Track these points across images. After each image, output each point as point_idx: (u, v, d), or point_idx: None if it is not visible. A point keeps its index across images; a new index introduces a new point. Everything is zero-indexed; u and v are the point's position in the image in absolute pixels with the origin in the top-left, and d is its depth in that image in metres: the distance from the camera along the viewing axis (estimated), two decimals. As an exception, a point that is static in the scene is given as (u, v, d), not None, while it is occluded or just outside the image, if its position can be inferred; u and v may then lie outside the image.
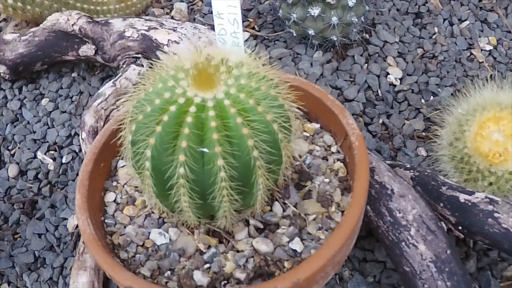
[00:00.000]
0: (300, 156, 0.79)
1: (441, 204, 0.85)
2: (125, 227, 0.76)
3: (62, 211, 1.18)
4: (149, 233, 0.75)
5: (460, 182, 1.02)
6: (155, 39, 1.14)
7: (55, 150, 1.31)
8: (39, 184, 1.25)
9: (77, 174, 1.24)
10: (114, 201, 0.80)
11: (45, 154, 1.30)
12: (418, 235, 0.79)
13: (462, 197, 0.84)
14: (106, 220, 0.77)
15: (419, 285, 0.78)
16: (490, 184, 0.99)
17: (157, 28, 1.15)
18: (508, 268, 0.94)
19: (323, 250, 0.63)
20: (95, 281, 0.93)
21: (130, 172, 0.68)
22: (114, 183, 0.82)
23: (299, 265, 0.62)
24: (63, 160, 1.28)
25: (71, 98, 1.39)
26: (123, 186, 0.81)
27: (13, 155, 1.32)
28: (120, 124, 0.68)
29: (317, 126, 0.85)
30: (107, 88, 1.08)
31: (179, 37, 1.13)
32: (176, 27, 1.16)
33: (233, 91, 0.61)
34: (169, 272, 0.71)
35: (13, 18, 1.46)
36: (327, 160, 0.80)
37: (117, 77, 1.11)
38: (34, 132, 1.35)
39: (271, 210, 0.75)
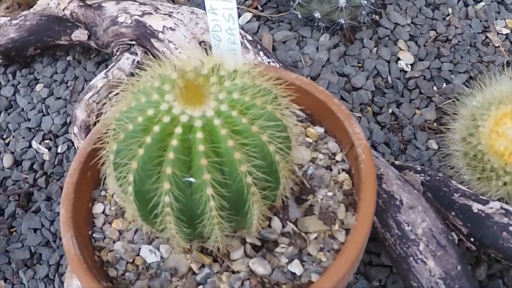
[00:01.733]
0: (302, 166, 0.73)
1: (453, 213, 0.80)
2: (114, 242, 0.72)
3: (58, 205, 1.14)
4: (140, 249, 0.71)
5: (472, 181, 0.96)
6: (149, 25, 1.07)
7: (50, 139, 1.27)
8: (34, 175, 1.21)
9: (73, 165, 1.20)
10: (103, 212, 0.75)
11: (40, 143, 1.26)
12: (427, 250, 0.73)
13: (476, 207, 0.78)
14: (94, 235, 0.73)
15: (427, 302, 0.73)
16: (505, 184, 0.93)
17: (151, 13, 1.08)
18: (522, 275, 0.89)
19: (323, 281, 0.58)
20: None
21: (116, 192, 0.63)
22: (103, 193, 0.77)
23: (297, 298, 0.57)
24: (59, 150, 1.24)
25: (66, 83, 1.34)
26: (112, 196, 0.76)
27: (7, 144, 1.28)
28: (106, 131, 0.63)
29: (321, 130, 0.79)
30: (98, 80, 1.02)
31: (175, 23, 1.06)
32: (172, 12, 1.09)
33: (225, 108, 0.55)
34: (160, 294, 0.67)
35: (4, 0, 1.39)
36: (331, 170, 0.74)
37: (109, 67, 1.05)
38: (29, 120, 1.30)
39: (269, 226, 0.69)
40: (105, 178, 0.78)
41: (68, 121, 1.27)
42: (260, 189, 0.56)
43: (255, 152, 0.54)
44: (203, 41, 1.06)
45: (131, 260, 0.70)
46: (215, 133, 0.53)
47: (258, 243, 0.69)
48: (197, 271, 0.67)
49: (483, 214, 0.77)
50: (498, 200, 0.92)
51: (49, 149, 1.25)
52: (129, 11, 1.10)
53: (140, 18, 1.08)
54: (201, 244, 0.67)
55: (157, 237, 0.71)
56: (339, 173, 0.74)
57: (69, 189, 0.71)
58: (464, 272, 0.73)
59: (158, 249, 0.70)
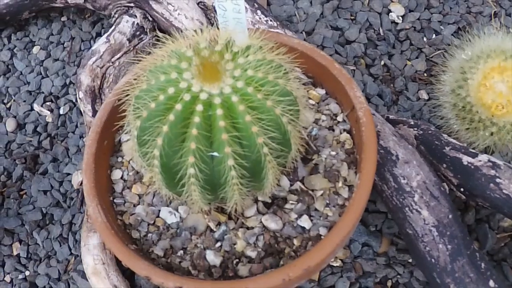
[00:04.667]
0: (306, 128, 0.78)
1: (444, 165, 0.86)
2: (134, 206, 0.77)
3: (65, 166, 1.18)
4: (159, 211, 0.76)
5: (461, 131, 1.02)
6: (147, -13, 1.08)
7: (52, 101, 1.29)
8: (38, 138, 1.24)
9: (76, 126, 1.23)
10: (121, 178, 0.80)
11: (41, 106, 1.28)
12: (421, 201, 0.80)
13: (465, 160, 0.84)
14: (115, 200, 0.78)
15: (421, 247, 0.81)
16: (491, 134, 0.99)
17: (148, -25, 1.08)
18: (505, 219, 0.97)
19: (332, 236, 0.65)
20: (106, 242, 0.96)
21: (139, 163, 0.67)
22: (119, 159, 0.82)
23: (309, 252, 0.64)
24: (61, 111, 1.26)
25: (63, 44, 1.35)
26: (129, 162, 0.81)
27: (9, 109, 1.30)
28: (120, 99, 0.66)
29: (323, 92, 0.83)
30: (100, 45, 1.04)
31: (172, -15, 1.07)
32: (168, -27, 1.09)
33: (241, 85, 0.59)
34: (181, 252, 0.73)
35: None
36: (333, 130, 0.79)
37: (110, 31, 1.07)
38: (28, 83, 1.32)
39: (278, 185, 0.75)
40: (120, 145, 0.82)
41: (67, 83, 1.29)
42: (275, 157, 0.61)
43: (270, 125, 0.58)
44: (201, 1, 1.07)
45: (152, 222, 0.76)
46: (233, 109, 0.58)
47: (269, 200, 0.75)
48: (214, 229, 0.73)
49: (472, 167, 0.83)
50: (485, 149, 0.99)
51: (51, 111, 1.27)
52: (124, -27, 1.10)
53: (136, -20, 1.09)
54: (218, 204, 0.73)
55: (174, 199, 0.77)
56: (340, 133, 0.79)
57: (89, 159, 0.75)
58: (455, 220, 0.80)
59: (177, 210, 0.76)
